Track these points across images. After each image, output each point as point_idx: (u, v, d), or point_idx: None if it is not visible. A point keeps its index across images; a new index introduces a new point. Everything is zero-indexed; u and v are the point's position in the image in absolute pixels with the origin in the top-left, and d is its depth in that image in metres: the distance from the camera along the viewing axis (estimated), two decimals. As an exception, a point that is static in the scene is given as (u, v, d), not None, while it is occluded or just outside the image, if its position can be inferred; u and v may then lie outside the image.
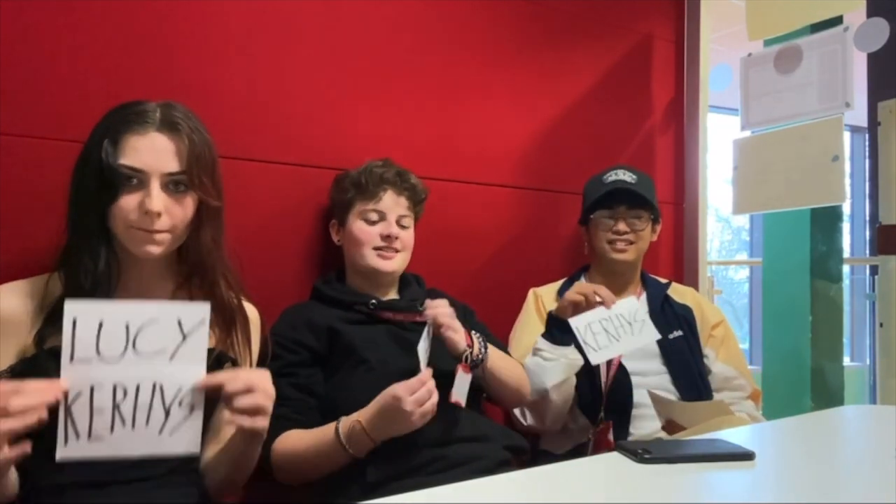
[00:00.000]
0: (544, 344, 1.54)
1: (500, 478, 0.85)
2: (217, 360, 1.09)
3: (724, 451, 0.96)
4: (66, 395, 0.83)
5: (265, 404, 0.96)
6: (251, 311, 1.23)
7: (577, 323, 1.46)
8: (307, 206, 1.61)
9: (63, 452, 0.83)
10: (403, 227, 1.49)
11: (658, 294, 1.78)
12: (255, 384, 0.95)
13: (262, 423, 0.97)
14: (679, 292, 1.84)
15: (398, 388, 1.16)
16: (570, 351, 1.51)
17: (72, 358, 0.83)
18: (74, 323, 0.83)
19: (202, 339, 0.89)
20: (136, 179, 1.03)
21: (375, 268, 1.45)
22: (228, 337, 1.15)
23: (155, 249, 1.05)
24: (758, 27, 2.14)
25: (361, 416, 1.21)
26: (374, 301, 1.44)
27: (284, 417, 1.28)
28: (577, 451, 1.59)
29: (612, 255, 1.72)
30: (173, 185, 1.05)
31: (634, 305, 1.52)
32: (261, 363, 1.24)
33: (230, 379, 0.94)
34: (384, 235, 1.45)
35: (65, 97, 1.34)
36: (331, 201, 1.58)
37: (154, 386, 0.86)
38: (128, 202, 1.02)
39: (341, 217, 1.53)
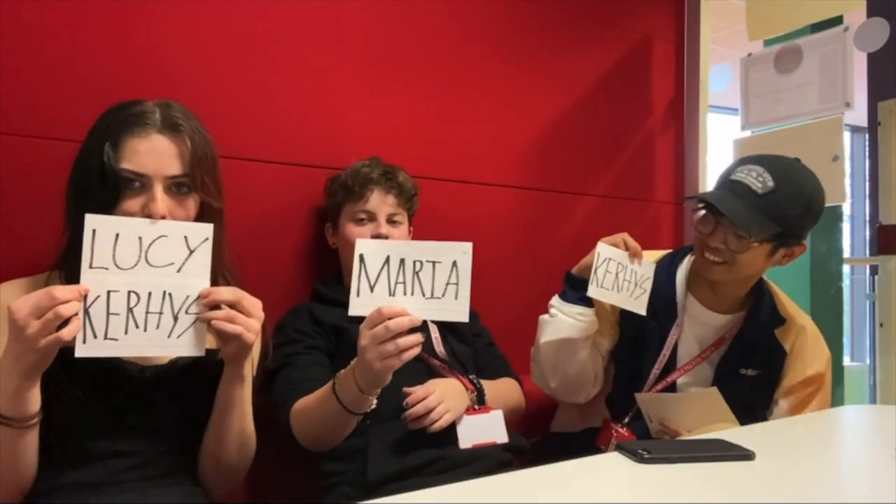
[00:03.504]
0: (555, 301, 1.47)
1: (500, 478, 0.85)
2: (221, 362, 1.09)
3: (724, 451, 0.96)
4: (84, 297, 0.89)
5: (248, 321, 0.97)
6: None
7: (601, 249, 1.35)
8: (304, 205, 1.62)
9: (81, 351, 0.89)
10: (395, 225, 1.49)
11: (758, 331, 1.46)
12: (243, 296, 0.98)
13: (240, 331, 0.96)
14: (787, 336, 1.48)
15: (363, 323, 1.07)
16: (577, 309, 1.43)
17: (90, 265, 0.90)
18: (94, 234, 0.90)
19: (206, 255, 0.97)
20: (138, 183, 1.02)
21: None
22: None
23: None
24: (758, 27, 2.14)
25: (355, 360, 1.12)
26: None
27: (310, 380, 1.28)
28: (590, 433, 1.53)
29: (699, 265, 1.44)
30: (175, 187, 1.05)
31: (647, 271, 1.42)
32: (261, 362, 1.24)
33: (223, 290, 0.98)
34: (374, 236, 1.45)
35: (65, 97, 1.34)
36: (324, 205, 1.59)
37: (164, 294, 0.94)
38: (131, 206, 1.02)
39: (334, 220, 1.54)
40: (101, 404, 1.03)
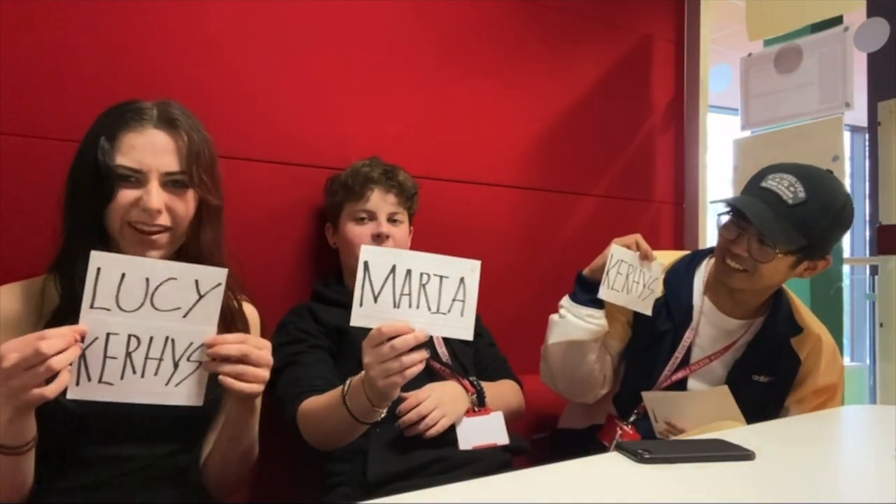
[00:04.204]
0: (565, 301, 1.47)
1: (500, 478, 0.85)
2: None
3: (724, 451, 0.96)
4: (82, 338, 0.85)
5: (258, 373, 0.93)
6: (251, 311, 1.21)
7: (615, 251, 1.36)
8: (304, 205, 1.62)
9: (73, 393, 0.86)
10: (396, 224, 1.49)
11: (773, 338, 1.45)
12: (250, 349, 0.93)
13: (251, 388, 0.93)
14: (802, 345, 1.47)
15: (365, 339, 1.02)
16: (587, 311, 1.42)
17: (91, 305, 0.86)
18: (98, 272, 0.85)
19: (216, 301, 0.91)
20: (133, 178, 1.01)
21: None
22: None
23: (153, 253, 1.02)
24: (758, 27, 2.14)
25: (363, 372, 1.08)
26: None
27: (316, 378, 1.28)
28: (596, 430, 1.53)
29: (720, 271, 1.41)
30: (172, 182, 1.03)
31: (656, 272, 1.43)
32: None
33: (230, 341, 0.92)
34: (375, 235, 1.45)
35: (65, 97, 1.34)
36: (324, 205, 1.59)
37: (166, 340, 0.89)
38: (125, 197, 1.00)
39: (334, 220, 1.54)
40: (102, 413, 1.01)
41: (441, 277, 1.02)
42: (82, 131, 1.07)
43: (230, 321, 1.13)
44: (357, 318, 0.99)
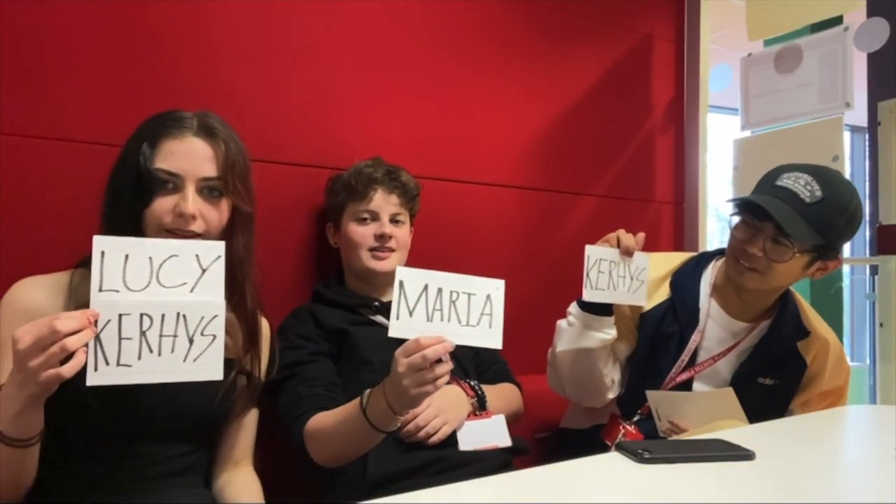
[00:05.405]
0: (573, 308, 1.46)
1: (499, 478, 0.85)
2: (240, 367, 1.10)
3: (724, 451, 0.96)
4: (95, 323, 0.85)
5: None
6: (264, 326, 1.24)
7: (591, 251, 1.34)
8: (304, 205, 1.62)
9: (93, 379, 0.86)
10: (398, 225, 1.49)
11: (780, 341, 1.44)
12: None
13: None
14: (809, 348, 1.47)
15: (399, 349, 1.07)
16: (594, 318, 1.42)
17: (100, 288, 0.87)
18: (102, 255, 0.87)
19: (219, 273, 0.93)
20: (171, 183, 1.04)
21: (371, 269, 1.46)
22: (248, 351, 1.16)
23: None
24: (758, 27, 2.14)
25: (386, 380, 1.12)
26: (377, 303, 1.44)
27: (318, 396, 1.28)
28: (599, 429, 1.53)
29: (731, 271, 1.40)
30: (208, 190, 1.07)
31: (642, 262, 1.41)
32: (269, 369, 1.24)
33: None
34: (377, 235, 1.46)
35: (65, 97, 1.34)
36: (325, 204, 1.59)
37: (178, 315, 0.90)
38: (162, 204, 1.04)
39: (335, 220, 1.54)
40: (121, 412, 1.02)
41: (469, 295, 1.10)
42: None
43: (253, 334, 1.18)
44: (394, 330, 1.06)
